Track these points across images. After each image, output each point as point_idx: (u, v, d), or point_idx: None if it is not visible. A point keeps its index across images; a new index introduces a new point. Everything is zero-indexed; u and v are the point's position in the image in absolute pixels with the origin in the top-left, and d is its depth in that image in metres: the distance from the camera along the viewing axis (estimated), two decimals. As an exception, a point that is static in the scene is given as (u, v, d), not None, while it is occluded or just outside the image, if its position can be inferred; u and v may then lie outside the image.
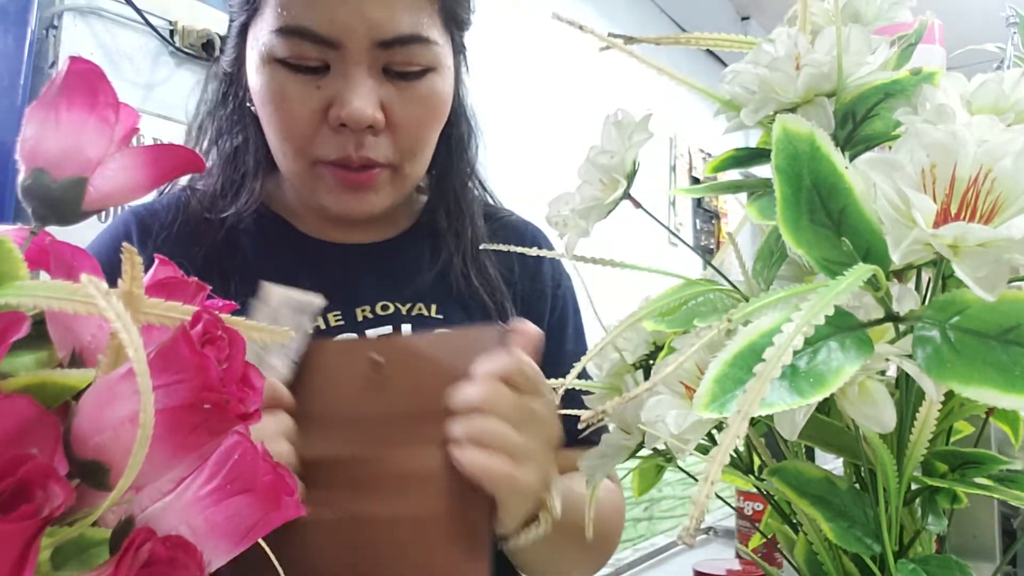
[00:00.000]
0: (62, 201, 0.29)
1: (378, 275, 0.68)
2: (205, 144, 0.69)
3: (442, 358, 0.56)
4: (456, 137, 0.72)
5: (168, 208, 0.67)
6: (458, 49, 0.68)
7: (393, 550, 0.54)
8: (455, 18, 0.65)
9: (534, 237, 0.79)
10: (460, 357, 0.55)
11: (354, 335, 0.63)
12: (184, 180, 0.70)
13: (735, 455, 0.41)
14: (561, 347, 0.73)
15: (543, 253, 0.47)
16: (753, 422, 0.39)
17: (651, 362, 0.45)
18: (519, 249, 0.46)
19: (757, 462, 0.42)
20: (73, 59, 0.29)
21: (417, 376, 0.56)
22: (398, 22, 0.58)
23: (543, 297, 0.73)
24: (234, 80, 0.67)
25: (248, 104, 0.66)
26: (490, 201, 0.78)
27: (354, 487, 0.53)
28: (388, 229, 0.71)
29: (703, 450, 0.38)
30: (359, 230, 0.69)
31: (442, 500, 0.54)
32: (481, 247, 0.67)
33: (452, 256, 0.69)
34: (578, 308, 0.77)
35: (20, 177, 0.30)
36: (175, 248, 0.63)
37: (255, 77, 0.62)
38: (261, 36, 0.60)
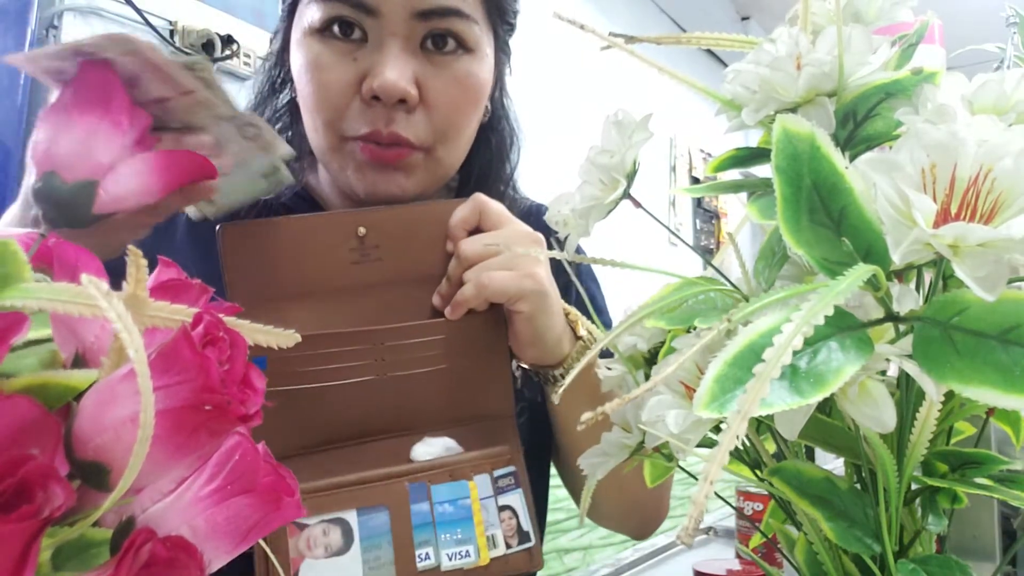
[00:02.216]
0: (72, 204, 0.29)
1: None
2: None
3: (420, 225, 0.59)
4: (497, 141, 0.72)
5: None
6: (501, 47, 0.68)
7: (408, 398, 0.57)
8: (498, 6, 0.65)
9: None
10: (436, 223, 0.59)
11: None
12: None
13: (741, 448, 0.41)
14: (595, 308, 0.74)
15: (548, 255, 0.47)
16: (756, 424, 0.39)
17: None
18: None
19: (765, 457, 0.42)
20: (86, 64, 0.29)
21: (401, 244, 0.58)
22: None
23: (568, 288, 0.73)
24: (279, 68, 0.67)
25: (292, 94, 0.67)
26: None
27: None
28: None
29: (710, 443, 0.38)
30: None
31: (450, 354, 0.58)
32: None
33: None
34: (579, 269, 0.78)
35: (31, 180, 0.30)
36: (212, 223, 0.64)
37: (295, 53, 0.62)
38: (304, 12, 0.61)
